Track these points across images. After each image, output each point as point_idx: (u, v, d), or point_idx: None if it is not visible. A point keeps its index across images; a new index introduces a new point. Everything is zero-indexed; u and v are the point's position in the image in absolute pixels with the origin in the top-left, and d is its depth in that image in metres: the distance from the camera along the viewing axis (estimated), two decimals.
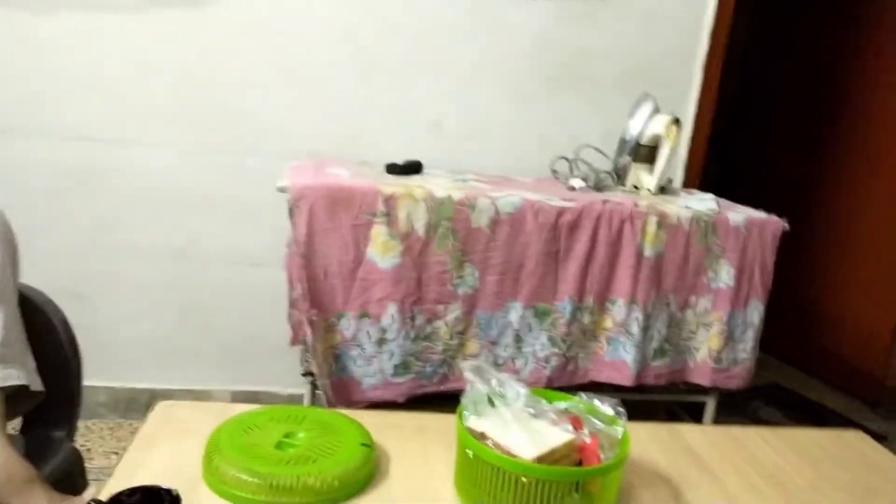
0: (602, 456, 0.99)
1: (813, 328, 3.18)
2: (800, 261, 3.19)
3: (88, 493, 1.02)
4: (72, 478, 1.24)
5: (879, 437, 2.58)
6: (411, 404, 1.76)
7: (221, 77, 2.12)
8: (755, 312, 1.94)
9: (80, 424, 2.26)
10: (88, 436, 2.25)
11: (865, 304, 2.96)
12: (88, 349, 2.29)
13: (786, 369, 3.22)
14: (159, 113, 2.12)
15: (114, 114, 2.11)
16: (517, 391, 1.04)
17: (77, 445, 2.12)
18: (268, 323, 2.21)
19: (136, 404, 2.32)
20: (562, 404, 1.07)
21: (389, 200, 1.66)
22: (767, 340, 3.18)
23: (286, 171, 1.77)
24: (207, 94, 2.13)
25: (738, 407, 2.71)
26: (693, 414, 2.15)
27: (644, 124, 2.05)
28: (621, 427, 1.02)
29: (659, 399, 2.14)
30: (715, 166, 3.63)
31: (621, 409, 1.04)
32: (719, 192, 2.19)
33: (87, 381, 2.20)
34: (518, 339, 1.80)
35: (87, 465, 1.99)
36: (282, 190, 1.63)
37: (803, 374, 3.19)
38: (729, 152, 3.73)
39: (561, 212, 1.75)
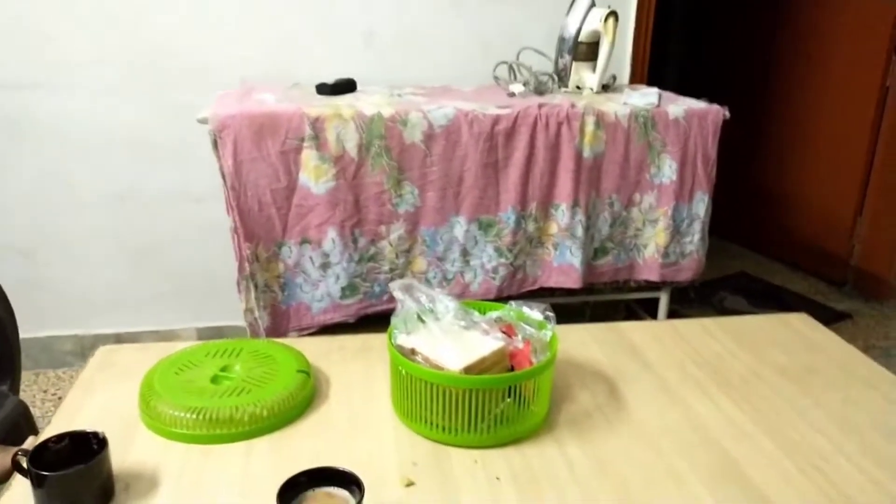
0: (534, 360, 1.00)
1: (777, 213, 3.22)
2: (759, 148, 3.19)
3: (27, 444, 1.02)
4: (19, 429, 1.24)
5: (845, 316, 2.68)
6: (363, 325, 1.77)
7: (147, 13, 2.01)
8: (700, 205, 1.95)
9: (51, 374, 2.28)
10: (59, 384, 2.25)
11: (827, 185, 2.99)
12: (45, 301, 2.27)
13: (752, 257, 3.28)
14: (88, 55, 2.02)
15: (41, 60, 2.01)
16: (447, 305, 1.04)
17: (48, 395, 2.15)
18: (222, 257, 2.18)
19: None
20: (494, 314, 1.08)
21: (316, 123, 1.60)
22: (732, 229, 3.24)
23: (211, 102, 1.70)
24: (135, 32, 2.02)
25: (703, 299, 2.77)
26: (653, 312, 2.19)
27: (581, 21, 1.98)
28: (549, 330, 1.03)
29: (614, 299, 2.17)
30: (676, 63, 3.58)
31: (550, 314, 1.05)
32: (683, 89, 2.13)
33: (51, 331, 2.23)
34: (465, 253, 1.80)
35: None
36: (203, 122, 1.57)
37: (770, 260, 3.25)
38: (690, 49, 3.66)
39: (496, 119, 1.71)
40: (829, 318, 2.61)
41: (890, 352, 2.49)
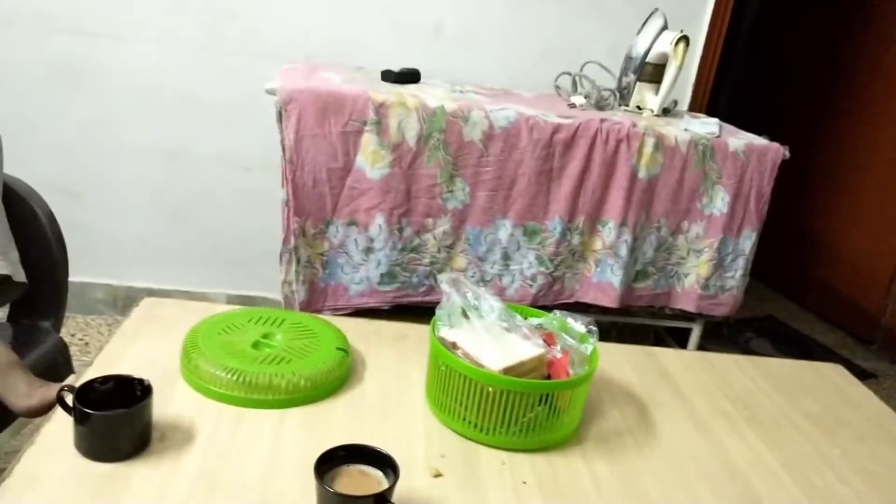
0: (571, 371, 1.01)
1: (813, 262, 3.17)
2: (803, 191, 3.15)
3: (69, 381, 1.05)
4: (56, 366, 1.27)
5: (869, 375, 2.63)
6: (395, 313, 1.78)
7: None
8: (748, 241, 1.93)
9: (80, 319, 2.32)
10: (87, 331, 2.30)
11: (867, 240, 2.94)
12: (83, 246, 2.31)
13: (782, 302, 3.24)
14: (152, 8, 2.06)
15: (106, 6, 2.04)
16: (491, 305, 1.05)
17: (75, 339, 2.20)
18: (261, 228, 2.22)
19: (134, 302, 2.34)
20: (536, 320, 1.09)
21: (380, 108, 1.62)
22: (766, 272, 3.20)
23: (277, 74, 1.73)
24: None
25: (729, 338, 2.74)
26: (681, 342, 2.18)
27: (651, 42, 1.97)
28: (591, 344, 1.03)
29: (646, 323, 2.16)
30: (729, 93, 3.55)
31: (593, 328, 1.05)
32: (734, 120, 2.12)
33: (85, 277, 2.28)
34: (506, 257, 1.80)
35: (84, 358, 2.06)
36: (270, 92, 1.59)
37: (799, 307, 3.20)
38: (745, 81, 3.63)
39: (556, 128, 1.71)
40: (853, 374, 2.56)
41: None
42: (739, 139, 1.87)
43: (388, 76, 1.86)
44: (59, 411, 0.87)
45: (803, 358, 2.58)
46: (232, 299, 2.40)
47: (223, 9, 2.07)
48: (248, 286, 2.39)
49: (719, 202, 1.87)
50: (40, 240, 1.31)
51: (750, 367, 1.34)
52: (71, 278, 2.35)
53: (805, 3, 3.31)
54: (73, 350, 2.15)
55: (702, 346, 2.17)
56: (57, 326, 1.36)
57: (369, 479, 0.76)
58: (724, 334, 2.67)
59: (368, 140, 1.63)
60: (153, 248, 2.33)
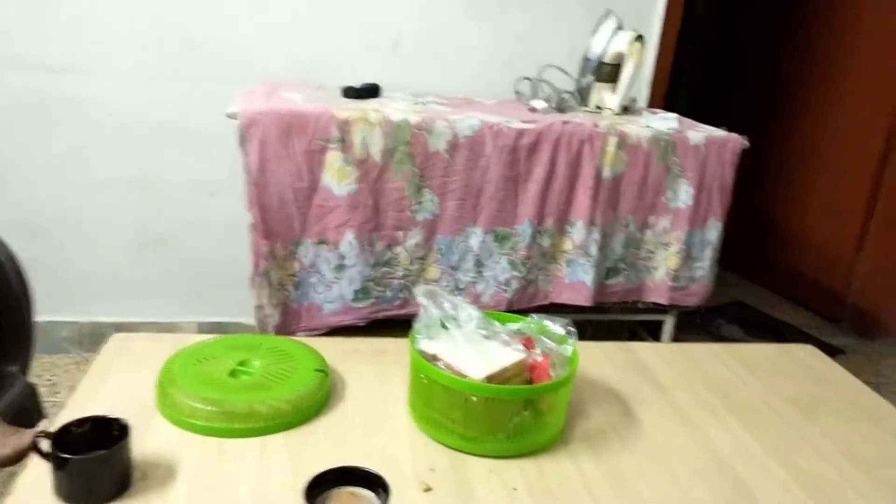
0: (553, 374, 1.01)
1: (776, 245, 3.23)
2: (763, 178, 3.21)
3: (42, 425, 1.02)
4: (27, 412, 1.24)
5: (838, 352, 2.68)
6: (372, 328, 1.77)
7: (178, 3, 2.02)
8: (713, 231, 1.96)
9: (46, 360, 2.26)
10: (54, 370, 2.24)
11: (828, 221, 3.00)
12: (49, 284, 2.25)
13: (749, 287, 3.29)
14: (114, 41, 2.03)
15: (68, 42, 2.01)
16: (469, 314, 1.05)
17: (42, 380, 2.14)
18: (231, 253, 2.19)
19: (101, 338, 2.29)
20: (514, 325, 1.09)
21: (344, 125, 1.61)
22: (730, 258, 3.24)
23: (238, 97, 1.71)
24: (163, 20, 2.03)
25: (701, 326, 2.77)
26: (655, 334, 2.20)
27: (607, 42, 2.00)
28: (571, 346, 1.03)
29: (619, 319, 2.18)
30: (686, 88, 3.61)
31: (572, 329, 1.05)
32: (692, 114, 2.16)
33: (51, 316, 2.22)
34: (479, 264, 1.81)
35: (53, 398, 2.00)
36: (231, 116, 1.58)
37: (766, 291, 3.25)
38: (701, 74, 3.69)
39: (520, 134, 1.72)
40: (824, 352, 2.62)
41: (880, 388, 2.49)
42: (699, 132, 1.91)
43: (350, 92, 1.86)
44: (34, 458, 0.85)
45: (774, 340, 2.63)
46: (203, 327, 2.36)
47: (185, 37, 2.05)
48: (219, 313, 2.36)
49: (683, 195, 1.90)
50: (2, 282, 1.28)
51: (726, 354, 1.36)
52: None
53: None
54: (41, 391, 2.11)
55: (676, 337, 2.20)
56: (24, 370, 1.32)
57: (360, 501, 0.75)
58: (697, 323, 2.70)
59: (333, 157, 1.62)
60: (120, 281, 2.28)
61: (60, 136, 2.10)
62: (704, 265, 1.99)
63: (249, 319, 2.31)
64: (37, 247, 2.19)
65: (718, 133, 1.93)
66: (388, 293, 1.77)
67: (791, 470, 0.99)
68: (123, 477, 0.84)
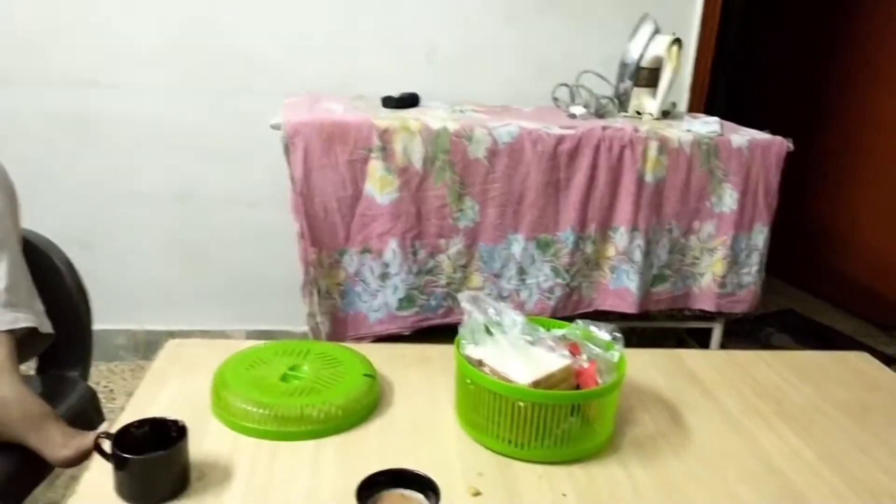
0: (599, 380, 1.01)
1: (826, 252, 3.15)
2: (808, 182, 3.14)
3: (102, 428, 1.06)
4: (87, 415, 1.28)
5: (891, 360, 2.60)
6: (417, 337, 1.79)
7: (214, 16, 2.08)
8: (760, 236, 1.93)
9: (103, 367, 2.33)
10: (111, 377, 2.31)
11: (879, 226, 2.92)
12: (102, 294, 2.32)
13: (799, 295, 3.21)
14: (151, 55, 2.09)
15: (106, 57, 2.08)
16: (514, 319, 1.05)
17: (100, 387, 2.21)
18: (274, 262, 2.24)
19: (155, 346, 2.36)
20: (559, 331, 1.09)
21: (384, 134, 1.64)
22: (780, 266, 3.18)
23: (280, 108, 1.75)
24: (200, 34, 2.09)
25: (749, 334, 2.72)
26: (702, 343, 2.17)
27: (644, 46, 1.99)
28: (618, 352, 1.03)
29: (666, 326, 2.16)
30: (725, 91, 3.56)
31: (618, 335, 1.05)
32: (733, 117, 2.14)
33: (106, 324, 2.28)
34: (521, 271, 1.81)
35: (110, 405, 2.06)
36: (276, 127, 1.61)
37: (816, 298, 3.17)
38: (740, 77, 3.64)
39: (560, 140, 1.72)
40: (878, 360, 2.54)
41: None
42: (742, 136, 1.88)
43: (389, 102, 1.88)
44: (96, 459, 0.88)
45: (826, 349, 2.56)
46: (251, 335, 2.41)
47: (220, 50, 2.11)
48: (265, 321, 2.40)
49: (728, 199, 1.88)
50: (62, 290, 1.33)
51: (775, 361, 1.33)
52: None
53: None
54: (100, 398, 2.17)
55: (724, 345, 2.16)
56: (85, 375, 1.37)
57: (410, 503, 0.76)
58: (745, 331, 2.65)
59: (375, 166, 1.65)
60: (169, 291, 2.35)
61: (98, 150, 2.16)
62: (751, 271, 1.96)
63: (295, 327, 2.37)
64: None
65: (762, 136, 1.91)
66: (433, 301, 1.78)
67: (844, 477, 0.97)
68: (182, 477, 0.86)
